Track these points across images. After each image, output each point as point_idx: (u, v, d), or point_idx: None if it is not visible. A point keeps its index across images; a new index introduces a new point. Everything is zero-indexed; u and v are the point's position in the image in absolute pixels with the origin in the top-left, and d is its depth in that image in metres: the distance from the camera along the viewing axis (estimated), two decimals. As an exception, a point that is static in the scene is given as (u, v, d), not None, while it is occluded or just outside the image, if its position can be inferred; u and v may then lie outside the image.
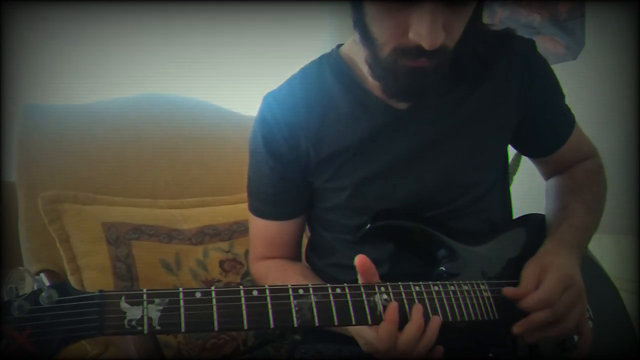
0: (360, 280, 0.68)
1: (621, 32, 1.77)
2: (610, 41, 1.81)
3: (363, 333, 0.67)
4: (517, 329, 0.72)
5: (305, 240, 0.99)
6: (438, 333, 0.67)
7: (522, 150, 0.99)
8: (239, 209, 1.26)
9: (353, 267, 0.68)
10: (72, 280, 1.01)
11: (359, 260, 0.67)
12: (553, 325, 0.72)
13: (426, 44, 0.65)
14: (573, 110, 0.95)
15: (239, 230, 1.21)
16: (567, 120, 0.94)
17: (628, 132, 1.75)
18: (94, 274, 1.01)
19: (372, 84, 0.79)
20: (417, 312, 0.66)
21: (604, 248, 1.59)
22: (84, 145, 1.18)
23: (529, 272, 0.76)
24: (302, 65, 0.91)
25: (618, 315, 0.90)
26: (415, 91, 0.74)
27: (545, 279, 0.73)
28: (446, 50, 0.69)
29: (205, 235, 1.16)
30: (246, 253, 1.18)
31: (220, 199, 1.30)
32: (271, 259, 0.94)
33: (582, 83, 1.79)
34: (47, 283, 1.03)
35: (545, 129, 0.91)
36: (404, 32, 0.67)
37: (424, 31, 0.64)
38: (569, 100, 0.94)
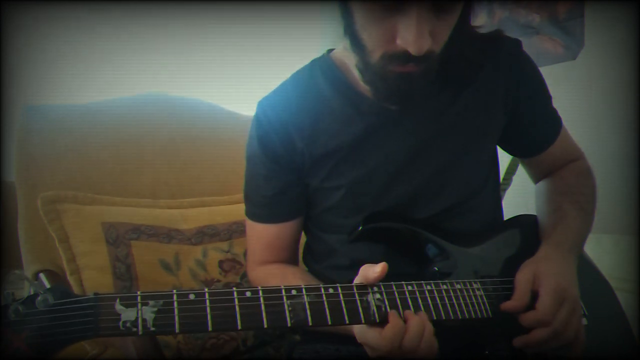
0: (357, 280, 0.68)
1: (621, 32, 1.77)
2: (610, 41, 1.81)
3: (368, 337, 0.67)
4: (517, 343, 0.73)
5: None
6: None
7: (510, 150, 0.99)
8: (239, 209, 1.25)
9: (351, 268, 0.69)
10: (71, 280, 1.01)
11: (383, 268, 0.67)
12: (553, 339, 0.73)
13: (413, 50, 0.67)
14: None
15: (238, 230, 1.21)
16: (554, 120, 0.95)
17: (628, 132, 1.75)
18: (93, 274, 1.01)
19: (365, 86, 0.80)
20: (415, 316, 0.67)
21: (604, 248, 1.59)
22: (83, 145, 1.18)
23: (522, 278, 0.76)
24: (303, 64, 0.92)
25: (614, 316, 0.91)
26: (404, 95, 0.75)
27: (540, 293, 0.74)
28: (433, 56, 0.71)
29: (205, 235, 1.16)
30: (245, 253, 1.18)
31: (220, 199, 1.30)
32: (270, 264, 0.94)
33: (581, 83, 1.79)
34: (46, 283, 1.03)
35: (533, 129, 0.92)
36: (392, 38, 0.68)
37: (411, 37, 0.66)
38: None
